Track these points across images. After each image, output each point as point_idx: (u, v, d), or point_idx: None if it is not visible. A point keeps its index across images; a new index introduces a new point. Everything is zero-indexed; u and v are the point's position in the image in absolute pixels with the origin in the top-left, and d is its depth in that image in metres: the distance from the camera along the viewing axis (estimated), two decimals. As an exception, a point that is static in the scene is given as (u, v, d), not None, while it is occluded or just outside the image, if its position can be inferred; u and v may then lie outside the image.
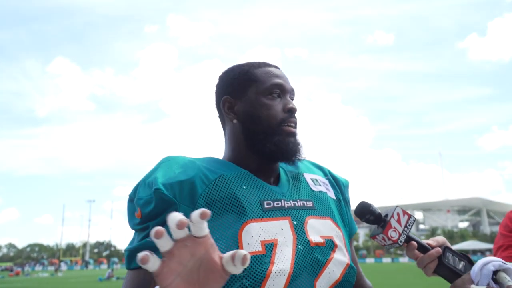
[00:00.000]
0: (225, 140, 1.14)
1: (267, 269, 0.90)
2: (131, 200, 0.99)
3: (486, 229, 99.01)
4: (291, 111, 1.08)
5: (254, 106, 1.07)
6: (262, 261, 0.91)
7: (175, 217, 0.59)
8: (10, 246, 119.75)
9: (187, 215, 0.91)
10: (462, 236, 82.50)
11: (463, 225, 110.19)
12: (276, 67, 1.15)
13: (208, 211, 0.59)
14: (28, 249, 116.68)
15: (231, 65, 1.18)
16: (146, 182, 0.96)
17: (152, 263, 0.58)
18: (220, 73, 1.17)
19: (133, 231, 0.99)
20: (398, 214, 1.01)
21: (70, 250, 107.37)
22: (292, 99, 1.13)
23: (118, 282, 25.26)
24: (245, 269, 0.88)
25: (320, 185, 1.14)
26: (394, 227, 0.99)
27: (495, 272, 0.92)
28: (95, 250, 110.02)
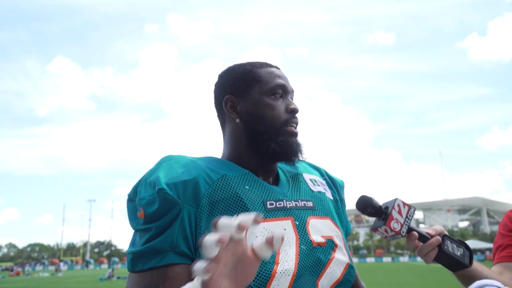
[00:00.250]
0: (224, 139, 1.13)
1: (272, 269, 0.90)
2: (130, 200, 0.97)
3: (486, 228, 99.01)
4: (294, 112, 1.09)
5: (258, 106, 1.06)
6: (266, 261, 0.90)
7: (241, 219, 0.62)
8: (11, 246, 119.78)
9: (191, 215, 0.91)
10: (462, 235, 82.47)
11: (463, 224, 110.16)
12: (277, 67, 1.15)
13: (261, 216, 0.62)
14: (29, 249, 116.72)
15: (231, 64, 1.16)
16: (147, 182, 0.94)
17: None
18: (220, 72, 1.16)
19: (134, 231, 0.96)
20: (398, 205, 1.03)
21: (71, 250, 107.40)
22: (292, 100, 1.13)
23: (119, 282, 25.24)
24: None
25: (318, 185, 1.16)
26: (396, 219, 1.02)
27: None
28: (96, 250, 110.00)
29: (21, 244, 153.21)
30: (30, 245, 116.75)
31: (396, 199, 1.04)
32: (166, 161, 0.99)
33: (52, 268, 65.77)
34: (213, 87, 1.16)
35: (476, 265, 1.16)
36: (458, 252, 1.06)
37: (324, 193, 1.15)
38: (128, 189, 1.00)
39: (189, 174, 0.95)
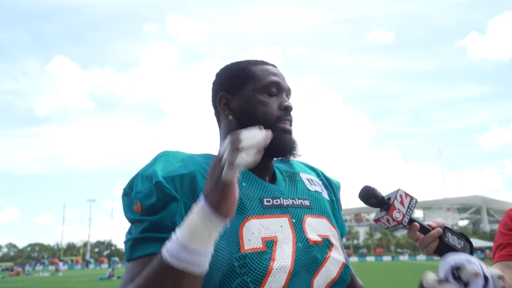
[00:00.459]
0: (220, 136, 1.13)
1: (268, 265, 0.90)
2: (126, 194, 0.97)
3: (486, 227, 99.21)
4: (287, 109, 1.08)
5: (251, 103, 1.06)
6: (263, 257, 0.91)
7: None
8: (11, 245, 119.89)
9: (188, 209, 0.91)
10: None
11: (463, 223, 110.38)
12: (273, 65, 1.15)
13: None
14: (29, 248, 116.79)
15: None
16: (144, 176, 0.94)
17: None
18: (217, 70, 1.17)
19: (130, 224, 0.95)
20: (400, 196, 1.04)
21: (71, 249, 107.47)
22: (289, 99, 1.13)
23: (119, 281, 25.12)
24: (246, 265, 0.89)
25: (315, 185, 1.16)
26: (398, 209, 1.02)
27: (458, 269, 0.92)
28: (96, 250, 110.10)
29: (21, 244, 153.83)
30: (30, 245, 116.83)
31: (398, 189, 1.05)
32: (163, 156, 0.99)
33: (52, 268, 65.88)
34: (211, 86, 1.17)
35: None
36: (459, 244, 1.06)
37: (321, 193, 1.15)
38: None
39: (187, 168, 0.95)
